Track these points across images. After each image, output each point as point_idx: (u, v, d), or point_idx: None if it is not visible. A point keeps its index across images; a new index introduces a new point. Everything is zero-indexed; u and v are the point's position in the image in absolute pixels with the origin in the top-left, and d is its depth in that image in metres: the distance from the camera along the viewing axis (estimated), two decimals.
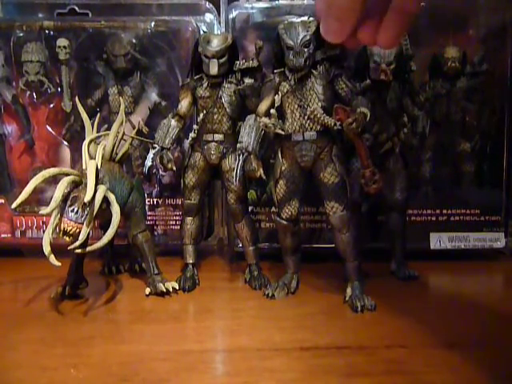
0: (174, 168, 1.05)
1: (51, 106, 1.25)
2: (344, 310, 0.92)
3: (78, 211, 0.85)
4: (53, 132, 1.26)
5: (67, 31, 1.21)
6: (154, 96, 1.24)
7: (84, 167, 0.92)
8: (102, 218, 0.94)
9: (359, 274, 0.95)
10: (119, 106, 1.06)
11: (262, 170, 0.96)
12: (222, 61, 1.00)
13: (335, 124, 0.90)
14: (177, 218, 1.25)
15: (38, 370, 0.73)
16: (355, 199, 1.05)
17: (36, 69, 1.21)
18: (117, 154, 1.01)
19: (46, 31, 1.21)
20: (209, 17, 1.25)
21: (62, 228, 0.85)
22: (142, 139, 1.12)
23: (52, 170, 0.89)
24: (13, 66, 1.22)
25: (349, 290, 0.95)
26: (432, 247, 1.20)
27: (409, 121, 1.08)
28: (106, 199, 0.89)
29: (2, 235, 1.25)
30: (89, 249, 0.88)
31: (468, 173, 1.24)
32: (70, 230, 0.84)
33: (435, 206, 1.21)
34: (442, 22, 1.19)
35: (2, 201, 1.25)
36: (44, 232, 0.86)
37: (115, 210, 0.89)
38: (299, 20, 0.92)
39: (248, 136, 0.95)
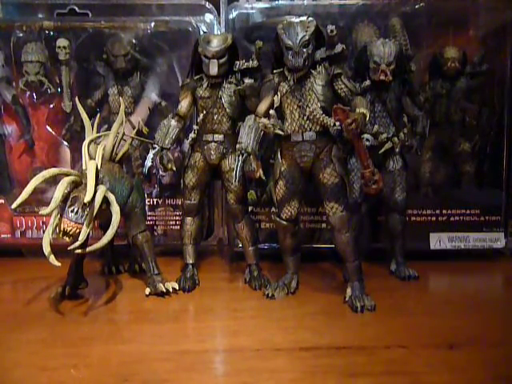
0: (174, 168, 1.05)
1: (51, 106, 1.25)
2: (344, 310, 0.92)
3: (77, 211, 0.85)
4: (53, 132, 1.26)
5: (67, 31, 1.21)
6: (153, 96, 1.24)
7: (84, 167, 0.92)
8: (101, 218, 0.94)
9: (359, 274, 0.95)
10: (119, 106, 1.06)
11: (261, 171, 0.96)
12: (221, 61, 1.00)
13: (334, 124, 0.90)
14: (177, 218, 1.25)
15: (37, 369, 0.73)
16: (355, 199, 1.05)
17: (36, 69, 1.21)
18: (117, 154, 1.01)
19: (46, 31, 1.21)
20: (209, 17, 1.25)
21: (61, 228, 0.85)
22: (141, 139, 1.12)
23: (52, 171, 0.89)
24: (13, 66, 1.23)
25: (349, 290, 0.95)
26: (432, 247, 1.20)
27: (409, 121, 1.08)
28: (105, 199, 0.89)
29: (2, 235, 1.25)
30: (89, 249, 0.88)
31: (468, 173, 1.24)
32: (70, 231, 0.84)
33: (435, 206, 1.21)
34: (442, 22, 1.19)
35: (2, 201, 1.25)
36: (44, 232, 0.86)
37: (115, 210, 0.89)
38: (298, 20, 0.92)
39: (247, 136, 0.94)
